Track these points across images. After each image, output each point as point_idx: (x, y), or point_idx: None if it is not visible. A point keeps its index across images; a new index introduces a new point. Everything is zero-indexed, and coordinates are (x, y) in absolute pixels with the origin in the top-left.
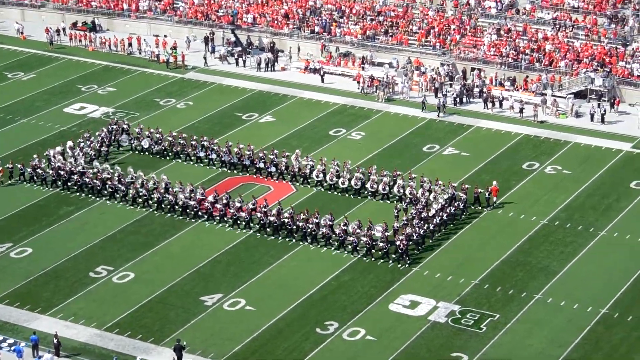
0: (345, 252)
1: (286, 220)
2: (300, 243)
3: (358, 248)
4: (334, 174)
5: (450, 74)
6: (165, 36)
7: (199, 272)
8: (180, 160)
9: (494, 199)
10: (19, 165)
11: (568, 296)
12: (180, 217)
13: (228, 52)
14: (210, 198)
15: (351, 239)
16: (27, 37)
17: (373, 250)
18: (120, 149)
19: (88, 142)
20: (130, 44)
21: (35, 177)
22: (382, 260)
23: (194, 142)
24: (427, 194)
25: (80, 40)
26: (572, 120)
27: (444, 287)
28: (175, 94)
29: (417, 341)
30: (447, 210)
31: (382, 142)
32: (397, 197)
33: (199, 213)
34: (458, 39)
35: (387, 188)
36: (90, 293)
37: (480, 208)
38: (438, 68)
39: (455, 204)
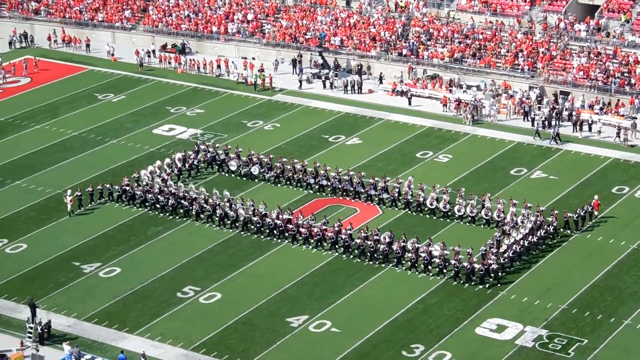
0: (429, 274)
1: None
2: (383, 265)
3: (416, 264)
4: (446, 201)
5: (539, 97)
6: (253, 58)
7: (285, 293)
8: (269, 183)
9: (596, 213)
10: (108, 185)
11: None
12: (267, 238)
13: (313, 74)
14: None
15: (410, 255)
16: (118, 59)
17: (430, 267)
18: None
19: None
20: (218, 66)
21: (124, 197)
22: (467, 284)
23: (299, 166)
24: (515, 217)
25: (169, 63)
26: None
27: (531, 311)
28: (263, 115)
29: None
30: (536, 234)
31: (469, 165)
32: (485, 221)
33: (286, 234)
34: (546, 63)
35: (474, 211)
36: (177, 313)
37: (569, 232)
38: (528, 91)
39: (545, 228)
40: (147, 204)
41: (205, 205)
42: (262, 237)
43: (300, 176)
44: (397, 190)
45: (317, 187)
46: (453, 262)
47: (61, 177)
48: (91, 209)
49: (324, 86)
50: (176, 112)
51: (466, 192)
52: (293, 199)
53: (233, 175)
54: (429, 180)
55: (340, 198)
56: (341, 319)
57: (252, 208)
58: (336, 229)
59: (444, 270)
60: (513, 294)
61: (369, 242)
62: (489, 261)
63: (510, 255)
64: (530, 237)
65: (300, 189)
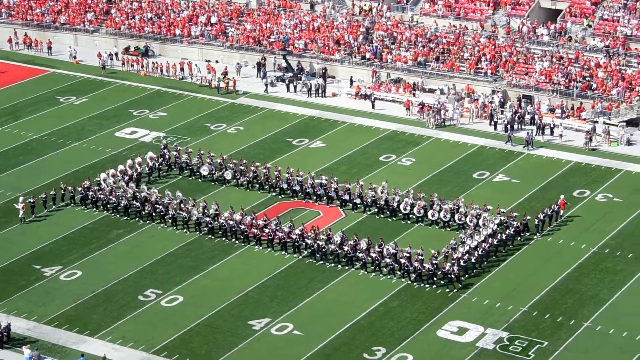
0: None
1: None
2: (347, 268)
3: (367, 265)
4: (421, 207)
5: (501, 101)
6: (216, 61)
7: (247, 296)
8: (234, 186)
9: (562, 212)
10: (70, 188)
11: (617, 324)
12: (229, 241)
13: (277, 78)
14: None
15: (361, 255)
16: (80, 61)
17: (379, 267)
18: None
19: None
20: (182, 69)
21: (85, 200)
22: (429, 286)
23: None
24: (475, 220)
25: (132, 65)
26: (624, 148)
27: (492, 313)
28: (226, 119)
29: None
30: (497, 237)
31: (432, 168)
32: (444, 224)
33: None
34: (510, 67)
35: (447, 216)
36: (138, 316)
37: (529, 235)
38: (491, 95)
39: (506, 231)
40: (108, 206)
41: (157, 206)
42: (225, 240)
43: (274, 181)
44: (370, 195)
45: (289, 192)
46: (374, 255)
47: (22, 180)
48: (50, 213)
49: (288, 89)
50: (139, 115)
51: (435, 196)
52: (257, 201)
53: (194, 178)
54: (392, 184)
55: (303, 201)
56: (303, 322)
57: (204, 208)
58: (298, 232)
59: (397, 272)
60: (474, 296)
61: (320, 243)
62: (446, 264)
63: (467, 259)
64: (491, 239)
65: (265, 192)
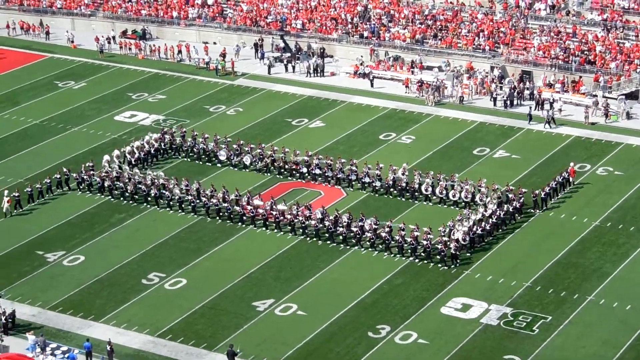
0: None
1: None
2: (349, 247)
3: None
4: (443, 187)
5: (500, 76)
6: (214, 43)
7: (250, 278)
8: (232, 167)
9: (572, 179)
10: (75, 175)
11: (621, 297)
12: (231, 223)
13: (275, 58)
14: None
15: (340, 230)
16: (78, 46)
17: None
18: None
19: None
20: (179, 52)
21: (83, 184)
22: (432, 264)
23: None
24: (470, 196)
25: (130, 49)
26: (624, 122)
27: (496, 289)
28: (225, 100)
29: (469, 344)
30: (500, 213)
31: (432, 145)
32: (451, 202)
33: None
34: (511, 39)
35: (469, 196)
36: (142, 300)
37: (532, 211)
38: (490, 71)
39: (507, 206)
40: (112, 191)
41: (140, 186)
42: (227, 222)
43: (293, 166)
44: (378, 175)
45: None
46: (355, 229)
47: (23, 165)
48: (52, 198)
49: (286, 70)
50: (138, 99)
51: (456, 176)
52: (257, 183)
53: (188, 160)
54: (392, 162)
55: (303, 181)
56: (307, 302)
57: (187, 188)
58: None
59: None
60: (477, 273)
61: (327, 223)
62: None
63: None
64: (495, 216)
65: (267, 174)
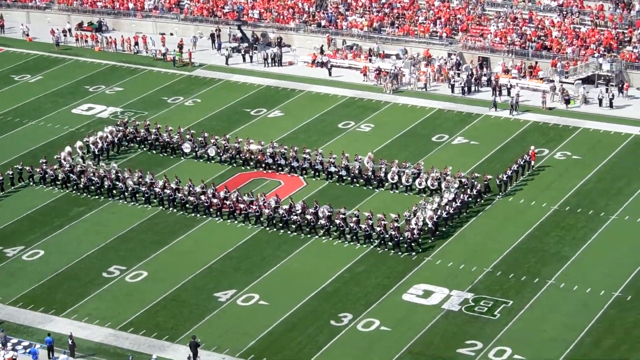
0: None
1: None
2: (309, 236)
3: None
4: (409, 176)
5: (457, 63)
6: (171, 34)
7: (211, 269)
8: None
9: (532, 162)
10: (28, 168)
11: (581, 281)
12: (191, 215)
13: (233, 49)
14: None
15: (295, 218)
16: (33, 39)
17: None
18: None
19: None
20: (136, 43)
21: (45, 179)
22: (393, 252)
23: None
24: (436, 183)
25: (86, 41)
26: (581, 106)
27: (457, 275)
28: (183, 91)
29: (431, 330)
30: (459, 199)
31: (391, 133)
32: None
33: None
34: (468, 25)
35: (435, 184)
36: (103, 293)
37: (491, 195)
38: (447, 58)
39: (468, 193)
40: (68, 184)
41: (93, 178)
42: (186, 213)
43: (259, 157)
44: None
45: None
46: (309, 217)
47: None
48: (11, 192)
49: (244, 60)
50: (95, 91)
51: (422, 164)
52: (217, 173)
53: (175, 156)
54: (352, 150)
55: (264, 171)
56: (268, 292)
57: (140, 178)
58: (261, 202)
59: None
60: (438, 259)
61: (280, 212)
62: (409, 227)
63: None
64: (455, 202)
65: (225, 164)
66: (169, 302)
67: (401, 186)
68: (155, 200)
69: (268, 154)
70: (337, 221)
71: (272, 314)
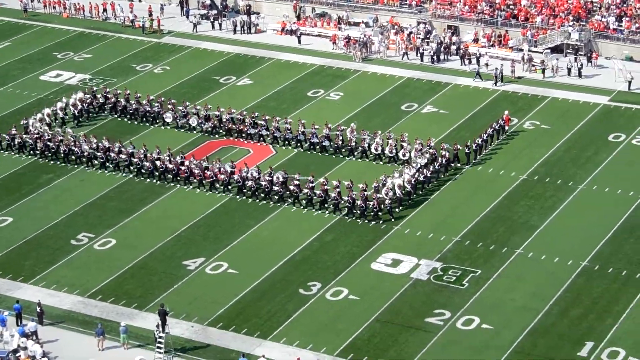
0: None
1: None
2: (279, 205)
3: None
4: (392, 147)
5: (427, 31)
6: (140, 1)
7: (180, 237)
8: (163, 126)
9: (507, 127)
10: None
11: (549, 250)
12: (160, 182)
13: (202, 16)
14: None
15: (249, 183)
16: (1, 5)
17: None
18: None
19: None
20: (104, 10)
21: (12, 146)
22: (360, 220)
23: (246, 120)
24: (407, 152)
25: (54, 7)
26: (549, 76)
27: (425, 244)
28: (152, 59)
29: (400, 299)
30: (428, 168)
31: (360, 101)
32: (378, 157)
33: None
34: None
35: (418, 155)
36: (72, 260)
37: (459, 165)
38: (416, 26)
39: (437, 162)
40: (36, 151)
41: (49, 144)
42: (155, 181)
43: (241, 127)
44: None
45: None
46: (264, 183)
47: None
48: None
49: (213, 27)
50: (63, 58)
51: (405, 136)
52: (186, 141)
53: (156, 126)
54: (321, 119)
55: (234, 139)
56: (237, 260)
57: (97, 145)
58: (229, 170)
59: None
60: (407, 228)
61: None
62: (376, 196)
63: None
64: (425, 170)
65: (195, 132)
66: (137, 270)
67: (384, 157)
68: (111, 165)
69: (247, 122)
70: (292, 187)
71: (241, 282)
